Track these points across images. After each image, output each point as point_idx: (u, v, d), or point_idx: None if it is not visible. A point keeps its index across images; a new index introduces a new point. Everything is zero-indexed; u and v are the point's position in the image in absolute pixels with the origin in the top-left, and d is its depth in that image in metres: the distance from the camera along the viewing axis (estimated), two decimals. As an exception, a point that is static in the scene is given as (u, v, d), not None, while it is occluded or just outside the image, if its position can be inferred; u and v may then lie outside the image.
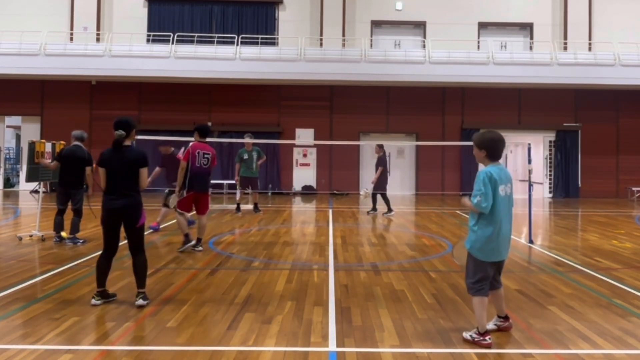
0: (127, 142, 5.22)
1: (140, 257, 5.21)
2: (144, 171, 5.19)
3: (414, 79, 19.10)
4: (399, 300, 5.49)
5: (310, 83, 19.75)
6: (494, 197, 4.12)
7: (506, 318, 4.53)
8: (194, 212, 8.18)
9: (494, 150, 4.23)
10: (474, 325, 4.35)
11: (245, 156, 13.09)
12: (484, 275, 4.26)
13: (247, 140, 12.23)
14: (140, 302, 5.06)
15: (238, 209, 13.44)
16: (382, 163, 13.41)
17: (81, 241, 8.39)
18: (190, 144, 7.86)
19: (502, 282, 4.49)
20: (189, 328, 4.52)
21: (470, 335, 4.26)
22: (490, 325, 4.46)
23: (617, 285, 6.20)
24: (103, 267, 5.19)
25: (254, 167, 13.19)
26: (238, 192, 13.59)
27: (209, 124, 20.29)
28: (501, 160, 4.39)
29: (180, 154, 7.87)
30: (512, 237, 4.39)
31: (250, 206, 13.90)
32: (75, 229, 8.44)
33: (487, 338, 4.18)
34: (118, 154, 5.12)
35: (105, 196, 5.14)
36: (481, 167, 4.44)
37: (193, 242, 7.98)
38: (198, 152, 7.75)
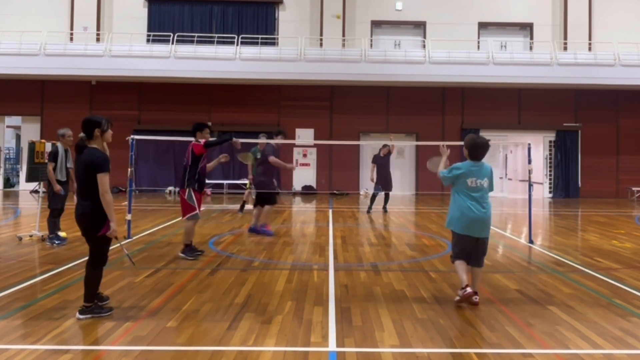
0: (94, 145, 4.74)
1: (89, 267, 4.73)
2: (101, 177, 4.57)
3: (414, 79, 19.11)
4: (399, 300, 5.49)
5: (310, 83, 19.75)
6: (459, 184, 5.29)
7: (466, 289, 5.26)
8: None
9: (473, 152, 5.32)
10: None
11: (259, 155, 13.04)
12: (461, 246, 5.33)
13: (263, 140, 12.22)
14: (78, 315, 4.67)
15: (242, 208, 13.37)
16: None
17: (57, 242, 8.36)
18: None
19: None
20: (189, 328, 4.52)
21: (459, 294, 5.28)
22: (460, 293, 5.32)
23: (617, 285, 6.20)
24: None
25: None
26: (251, 191, 13.47)
27: (209, 123, 20.27)
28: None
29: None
30: (487, 223, 5.30)
31: (251, 206, 13.86)
32: (50, 228, 8.47)
33: (467, 289, 5.19)
34: (79, 156, 4.70)
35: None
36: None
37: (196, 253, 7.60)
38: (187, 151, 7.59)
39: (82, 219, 4.71)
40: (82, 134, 4.72)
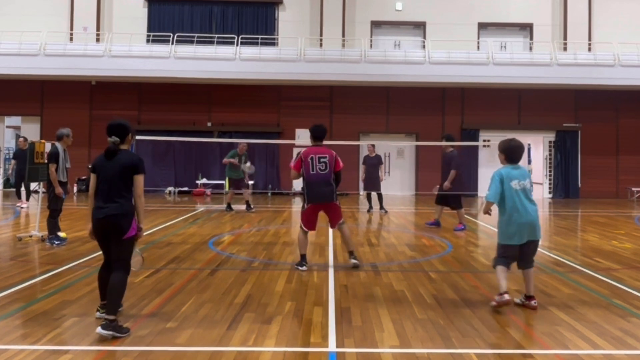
0: (125, 147, 4.72)
1: (117, 274, 4.48)
2: (139, 178, 4.57)
3: (414, 79, 19.08)
4: (398, 300, 5.49)
5: (310, 83, 19.74)
6: (504, 190, 5.12)
7: (530, 298, 5.23)
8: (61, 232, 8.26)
9: (511, 154, 5.27)
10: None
11: (236, 159, 13.47)
12: (506, 255, 5.19)
13: (243, 141, 12.48)
14: (100, 330, 4.25)
15: (230, 207, 13.73)
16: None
17: (57, 242, 8.37)
18: (302, 150, 7.02)
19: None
20: (188, 328, 4.52)
21: (494, 301, 5.05)
22: (517, 301, 5.32)
23: (617, 286, 6.20)
24: (103, 278, 4.65)
25: (241, 170, 13.62)
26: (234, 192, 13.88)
27: (209, 124, 20.30)
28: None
29: (292, 162, 7.04)
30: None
31: (242, 206, 14.03)
32: (50, 229, 8.45)
33: (505, 296, 4.96)
34: (110, 159, 4.59)
35: (94, 204, 4.59)
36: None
37: (305, 266, 6.90)
38: (312, 158, 6.84)
39: (108, 222, 4.48)
40: (115, 138, 4.59)
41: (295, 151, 20.36)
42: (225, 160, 13.65)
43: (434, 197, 11.49)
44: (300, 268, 6.83)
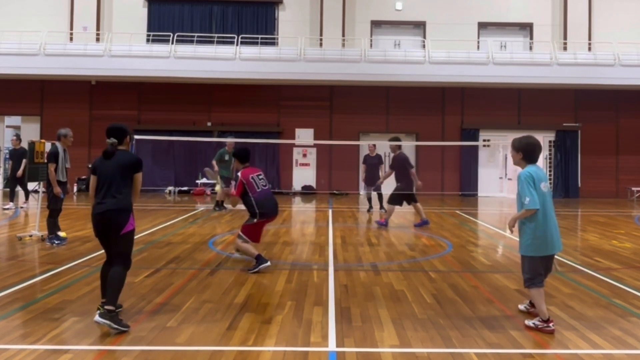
0: (122, 148, 4.88)
1: (117, 268, 4.58)
2: (138, 176, 4.78)
3: (413, 79, 19.08)
4: (398, 300, 5.49)
5: (310, 83, 19.74)
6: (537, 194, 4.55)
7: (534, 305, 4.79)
8: None
9: (530, 153, 4.67)
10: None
11: (226, 157, 13.55)
12: (539, 270, 4.63)
13: (230, 139, 12.53)
14: (97, 318, 4.34)
15: (222, 206, 13.93)
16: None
17: (57, 242, 8.37)
18: (239, 174, 6.93)
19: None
20: (188, 328, 4.52)
21: (534, 323, 4.57)
22: (521, 307, 5.10)
23: (616, 285, 6.20)
24: (106, 275, 4.69)
25: (231, 168, 13.63)
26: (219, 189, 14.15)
27: (209, 124, 20.30)
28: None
29: (233, 189, 6.96)
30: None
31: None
32: (50, 229, 8.44)
33: (550, 325, 4.51)
34: (109, 159, 4.75)
35: (94, 201, 4.72)
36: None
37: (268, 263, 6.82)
38: (252, 178, 6.90)
39: (105, 217, 4.61)
40: (113, 140, 4.77)
41: (296, 151, 20.44)
42: (213, 163, 13.72)
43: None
44: (264, 265, 6.67)
